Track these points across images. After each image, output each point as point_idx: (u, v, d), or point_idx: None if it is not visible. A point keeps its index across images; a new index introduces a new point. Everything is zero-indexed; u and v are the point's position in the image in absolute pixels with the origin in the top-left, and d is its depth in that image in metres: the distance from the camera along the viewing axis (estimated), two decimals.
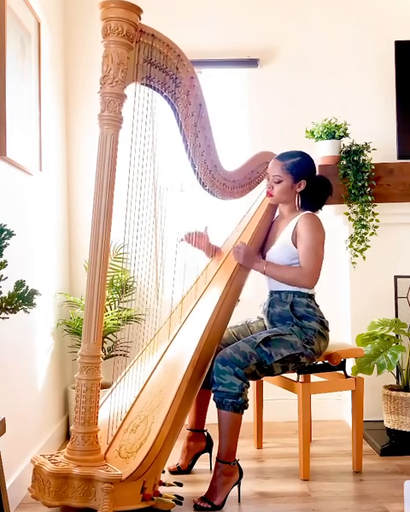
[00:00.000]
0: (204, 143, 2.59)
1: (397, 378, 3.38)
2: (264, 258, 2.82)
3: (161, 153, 2.51)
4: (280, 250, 2.74)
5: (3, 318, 1.78)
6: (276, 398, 3.47)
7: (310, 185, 2.75)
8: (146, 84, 2.41)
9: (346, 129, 3.48)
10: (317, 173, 2.85)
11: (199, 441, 2.92)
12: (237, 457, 2.57)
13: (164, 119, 2.52)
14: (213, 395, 2.55)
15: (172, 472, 2.87)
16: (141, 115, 2.35)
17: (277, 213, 2.95)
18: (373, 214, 3.46)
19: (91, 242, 2.28)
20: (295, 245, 2.69)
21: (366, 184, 3.42)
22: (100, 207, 2.27)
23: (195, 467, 2.91)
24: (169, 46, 2.39)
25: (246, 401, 2.53)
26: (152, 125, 2.41)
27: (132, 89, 2.35)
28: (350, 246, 3.48)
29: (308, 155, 2.78)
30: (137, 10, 2.27)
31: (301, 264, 2.67)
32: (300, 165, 2.72)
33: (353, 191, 3.44)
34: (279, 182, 2.73)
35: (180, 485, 2.49)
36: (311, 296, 2.74)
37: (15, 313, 1.80)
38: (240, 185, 2.87)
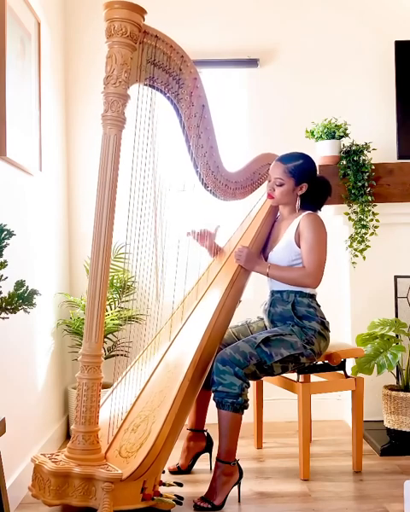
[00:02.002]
0: (207, 144, 2.59)
1: (397, 378, 3.38)
2: (266, 259, 2.82)
3: (163, 153, 2.51)
4: (282, 250, 2.74)
5: (3, 318, 1.78)
6: (276, 398, 3.48)
7: (311, 187, 2.75)
8: (149, 85, 2.42)
9: (346, 129, 3.48)
10: (317, 174, 2.85)
11: (199, 441, 2.93)
12: (237, 457, 2.57)
13: (167, 119, 2.53)
14: (213, 395, 2.55)
15: (172, 472, 2.87)
16: (144, 116, 2.36)
17: (278, 214, 2.95)
18: (373, 214, 3.46)
19: (93, 242, 2.28)
20: (299, 245, 2.70)
21: (366, 184, 3.42)
22: (102, 207, 2.27)
23: (195, 467, 2.91)
24: (172, 47, 2.40)
25: (246, 401, 2.53)
26: (155, 125, 2.42)
27: (136, 89, 2.35)
28: (350, 246, 3.48)
29: (310, 158, 2.77)
30: (141, 11, 2.27)
31: (305, 264, 2.67)
32: (302, 169, 2.72)
33: (353, 191, 3.44)
34: (281, 184, 2.73)
35: (180, 485, 2.49)
36: (312, 296, 2.74)
37: (15, 313, 1.80)
38: (242, 186, 2.88)
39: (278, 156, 2.81)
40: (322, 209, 2.87)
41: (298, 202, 2.76)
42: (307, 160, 2.75)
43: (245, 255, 2.73)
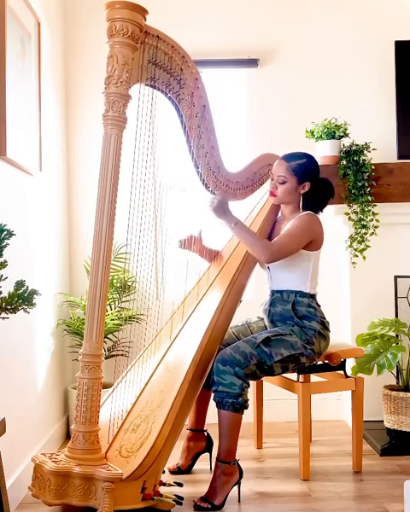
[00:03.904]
0: (207, 144, 2.59)
1: (397, 378, 3.38)
2: None
3: (164, 153, 2.51)
4: None
5: (3, 318, 1.78)
6: (276, 398, 3.47)
7: (313, 187, 2.75)
8: (150, 85, 2.42)
9: (346, 129, 3.48)
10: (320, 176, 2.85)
11: (199, 441, 2.93)
12: (237, 457, 2.57)
13: (168, 119, 2.53)
14: (213, 395, 2.55)
15: (173, 472, 2.87)
16: (145, 116, 2.36)
17: (279, 214, 2.95)
18: (373, 214, 3.46)
19: (94, 242, 2.29)
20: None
21: (366, 184, 3.42)
22: (103, 207, 2.27)
23: (195, 467, 2.91)
24: (174, 47, 2.40)
25: (246, 401, 2.53)
26: (156, 125, 2.42)
27: (137, 89, 2.35)
28: (350, 246, 3.48)
29: (313, 157, 2.77)
30: (143, 11, 2.27)
31: (272, 241, 2.65)
32: (305, 167, 2.72)
33: (353, 191, 3.44)
34: (284, 182, 2.73)
35: (180, 485, 2.49)
36: (312, 296, 2.74)
37: (15, 313, 1.80)
38: (243, 187, 2.87)
39: (278, 156, 2.81)
40: (324, 211, 2.87)
41: (301, 201, 2.76)
42: (310, 160, 2.75)
43: (217, 202, 2.64)
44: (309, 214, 2.72)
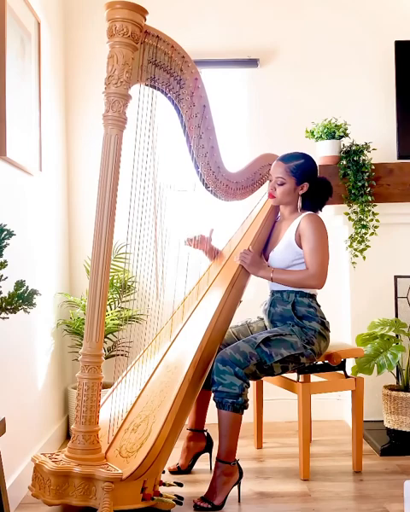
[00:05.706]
0: (207, 144, 2.60)
1: (397, 378, 3.38)
2: (267, 259, 2.82)
3: (164, 153, 2.52)
4: (283, 251, 2.74)
5: (3, 318, 1.78)
6: (276, 398, 3.48)
7: (312, 187, 2.75)
8: (150, 85, 2.42)
9: (346, 129, 3.48)
10: (318, 174, 2.86)
11: (199, 441, 2.93)
12: (237, 457, 2.57)
13: (168, 119, 2.53)
14: (213, 395, 2.55)
15: (172, 472, 2.87)
16: (145, 116, 2.36)
17: (278, 214, 2.95)
18: (373, 214, 3.46)
19: (94, 242, 2.29)
20: (299, 245, 2.70)
21: (366, 184, 3.42)
22: (103, 207, 2.27)
23: (195, 467, 2.91)
24: (174, 47, 2.40)
25: (246, 401, 2.53)
26: (156, 125, 2.42)
27: (137, 89, 2.36)
28: (350, 246, 3.48)
29: (311, 157, 2.78)
30: (143, 11, 2.28)
31: (308, 266, 2.67)
32: (303, 168, 2.72)
33: (353, 191, 3.44)
34: (282, 184, 2.73)
35: (180, 485, 2.49)
36: (313, 296, 2.74)
37: (15, 313, 1.80)
38: (243, 187, 2.88)
39: (278, 156, 2.81)
40: (323, 210, 2.87)
41: (300, 202, 2.76)
42: (307, 160, 2.75)
43: (250, 258, 2.72)
44: (311, 215, 2.72)
